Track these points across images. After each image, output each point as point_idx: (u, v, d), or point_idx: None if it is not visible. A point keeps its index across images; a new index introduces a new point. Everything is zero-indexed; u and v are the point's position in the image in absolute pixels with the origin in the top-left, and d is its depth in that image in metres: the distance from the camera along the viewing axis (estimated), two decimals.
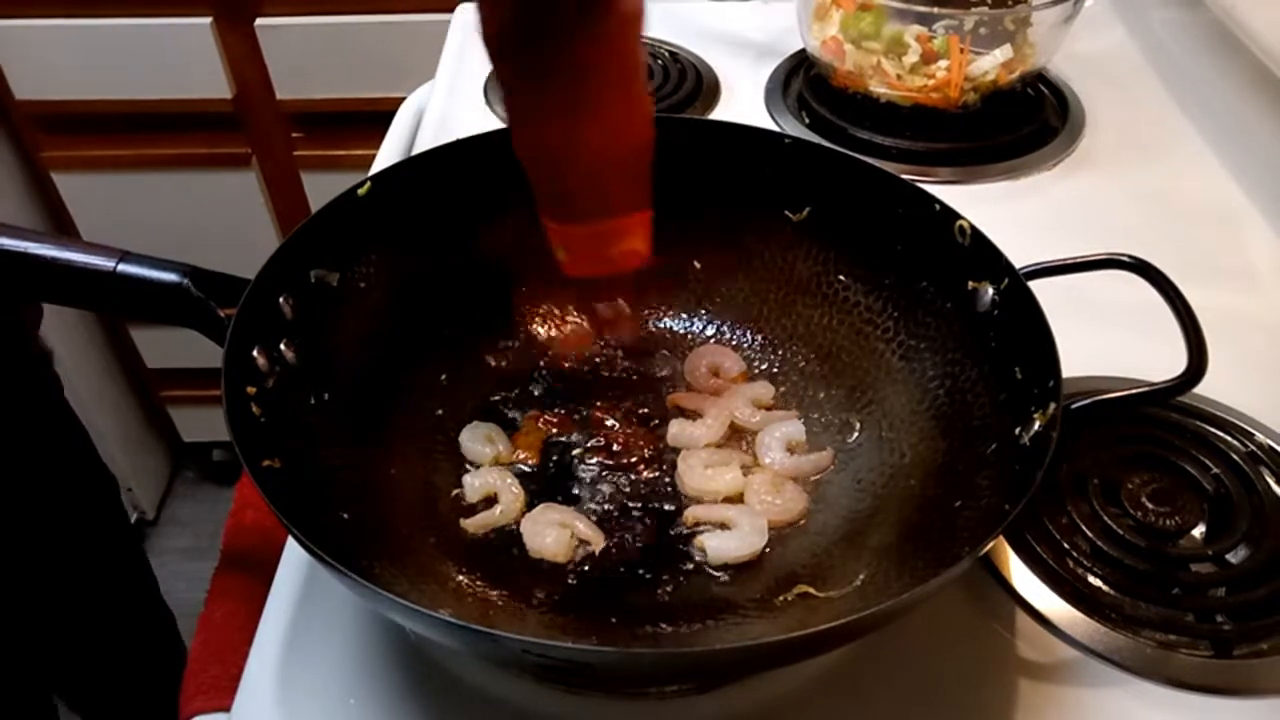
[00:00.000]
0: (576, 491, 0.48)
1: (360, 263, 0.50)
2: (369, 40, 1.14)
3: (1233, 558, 0.46)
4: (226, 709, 0.43)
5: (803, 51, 0.84)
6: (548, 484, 0.49)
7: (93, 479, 0.81)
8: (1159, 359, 0.43)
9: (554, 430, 0.51)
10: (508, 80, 0.37)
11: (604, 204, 0.40)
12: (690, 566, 0.45)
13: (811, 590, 0.43)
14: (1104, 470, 0.49)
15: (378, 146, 0.81)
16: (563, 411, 0.52)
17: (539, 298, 0.57)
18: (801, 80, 0.82)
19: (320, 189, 1.28)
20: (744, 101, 0.81)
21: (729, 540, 0.46)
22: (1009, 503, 0.37)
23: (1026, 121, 0.76)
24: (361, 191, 0.50)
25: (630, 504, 0.48)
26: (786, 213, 0.55)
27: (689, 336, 0.57)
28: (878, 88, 0.75)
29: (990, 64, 0.73)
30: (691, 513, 0.47)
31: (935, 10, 0.73)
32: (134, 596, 0.87)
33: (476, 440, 0.50)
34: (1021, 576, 0.45)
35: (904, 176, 0.51)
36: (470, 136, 0.53)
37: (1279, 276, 0.64)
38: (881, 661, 0.42)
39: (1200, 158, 0.74)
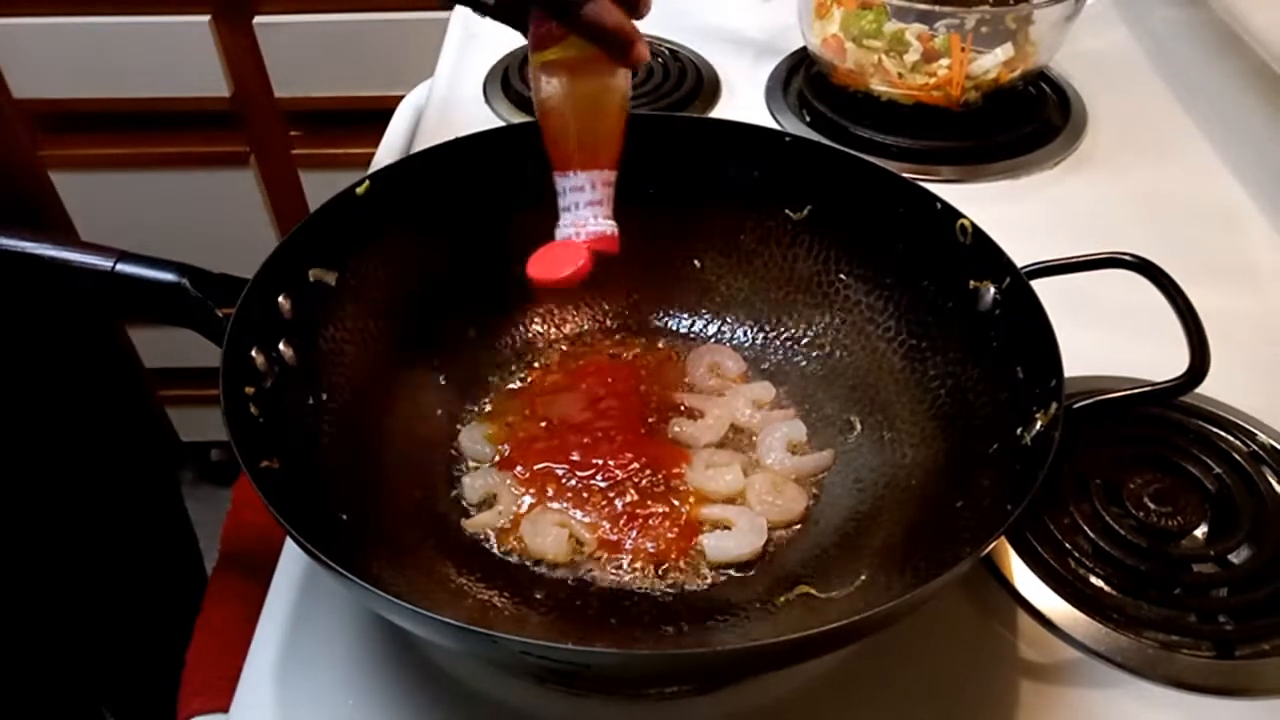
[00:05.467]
0: (576, 492, 0.48)
1: (359, 262, 0.50)
2: (367, 38, 1.14)
3: (1235, 558, 0.46)
4: (225, 709, 0.43)
5: (803, 49, 0.84)
6: (546, 483, 0.48)
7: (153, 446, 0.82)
8: (1161, 359, 0.43)
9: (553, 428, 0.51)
10: None
11: None
12: (690, 567, 0.45)
13: (812, 591, 0.43)
14: (1106, 470, 0.49)
15: (376, 145, 0.81)
16: (562, 409, 0.52)
17: (539, 297, 0.57)
18: (802, 78, 0.82)
19: (318, 188, 1.28)
20: (744, 100, 0.81)
21: (728, 540, 0.46)
22: (1011, 503, 0.37)
23: (1028, 120, 0.76)
24: (360, 190, 0.50)
25: (629, 503, 0.48)
26: (787, 211, 0.54)
27: (689, 336, 0.57)
28: (879, 86, 0.75)
29: (992, 62, 0.73)
30: (691, 512, 0.47)
31: (937, 8, 0.73)
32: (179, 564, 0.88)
33: (476, 440, 0.50)
34: (1023, 577, 0.45)
35: (905, 175, 0.51)
36: (469, 135, 0.53)
37: None
38: (882, 662, 0.42)
39: (1202, 156, 0.74)
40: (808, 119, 0.78)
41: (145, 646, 0.86)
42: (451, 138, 0.53)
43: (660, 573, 0.45)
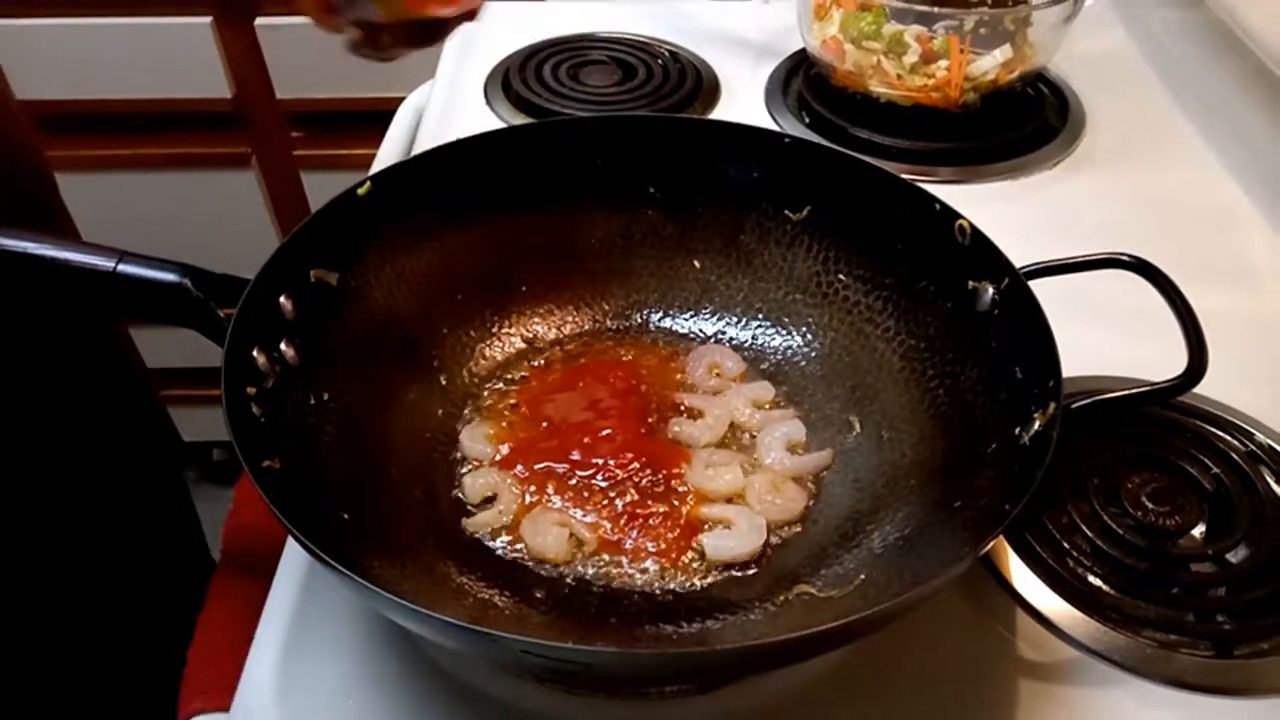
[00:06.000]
0: (576, 491, 0.48)
1: (360, 262, 0.50)
2: None
3: (1233, 557, 0.46)
4: (226, 709, 0.43)
5: (802, 51, 0.84)
6: (547, 483, 0.49)
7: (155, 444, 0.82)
8: (1159, 359, 0.43)
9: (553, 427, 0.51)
10: None
11: None
12: (690, 566, 0.45)
13: (812, 590, 0.43)
14: (1104, 470, 0.49)
15: (377, 146, 0.81)
16: (562, 409, 0.52)
17: (539, 297, 0.57)
18: (801, 80, 0.82)
19: (320, 189, 1.28)
20: (744, 101, 0.81)
21: (728, 539, 0.46)
22: (1009, 503, 0.37)
23: (1026, 121, 0.76)
24: (361, 191, 0.50)
25: (629, 503, 0.48)
26: (786, 212, 0.54)
27: (689, 336, 0.57)
28: (878, 87, 0.75)
29: (990, 64, 0.73)
30: (691, 512, 0.47)
31: (935, 10, 0.73)
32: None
33: (476, 440, 0.50)
34: (1021, 576, 0.45)
35: (904, 176, 0.51)
36: (470, 136, 0.53)
37: (1279, 276, 0.64)
38: (881, 661, 0.42)
39: (1200, 157, 0.74)
40: (807, 120, 0.78)
41: (153, 646, 0.86)
42: (452, 139, 0.54)
43: (660, 572, 0.45)
